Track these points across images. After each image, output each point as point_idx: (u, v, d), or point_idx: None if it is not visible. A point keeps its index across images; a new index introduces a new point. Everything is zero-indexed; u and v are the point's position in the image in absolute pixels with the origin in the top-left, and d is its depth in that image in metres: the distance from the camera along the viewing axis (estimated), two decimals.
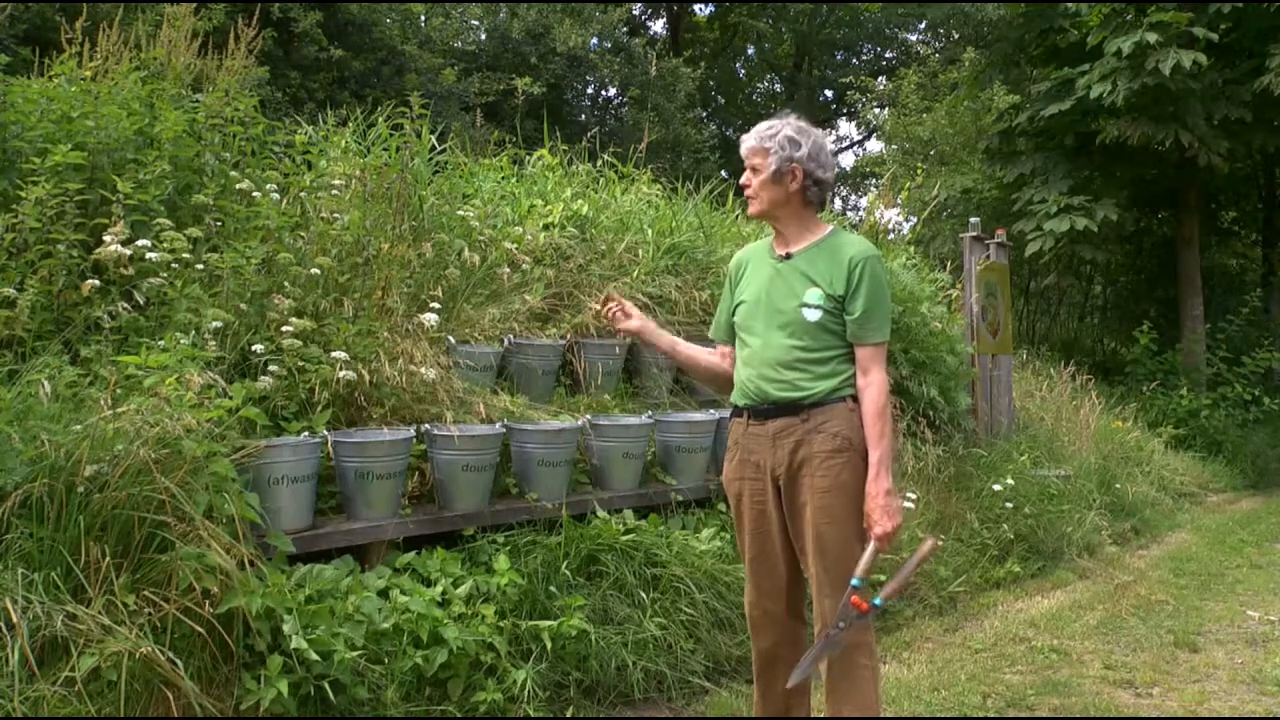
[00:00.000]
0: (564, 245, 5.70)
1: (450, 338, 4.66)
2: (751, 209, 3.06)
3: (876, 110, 19.30)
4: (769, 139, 2.97)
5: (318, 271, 4.35)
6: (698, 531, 4.54)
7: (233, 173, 4.59)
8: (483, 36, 18.32)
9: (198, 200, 4.25)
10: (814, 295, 2.92)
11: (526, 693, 3.46)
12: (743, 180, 3.05)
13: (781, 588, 3.02)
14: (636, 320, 3.24)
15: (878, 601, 2.80)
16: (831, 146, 3.15)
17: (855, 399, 2.93)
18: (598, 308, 3.41)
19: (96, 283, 3.75)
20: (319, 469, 3.78)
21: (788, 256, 3.01)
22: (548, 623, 3.67)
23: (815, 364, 2.92)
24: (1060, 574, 6.25)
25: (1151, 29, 10.48)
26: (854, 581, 2.77)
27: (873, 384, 2.90)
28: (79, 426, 3.06)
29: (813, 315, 2.91)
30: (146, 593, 2.94)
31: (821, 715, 3.07)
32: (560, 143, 6.92)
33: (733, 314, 3.13)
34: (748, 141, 3.03)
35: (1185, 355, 12.54)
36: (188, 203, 4.29)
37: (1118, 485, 8.07)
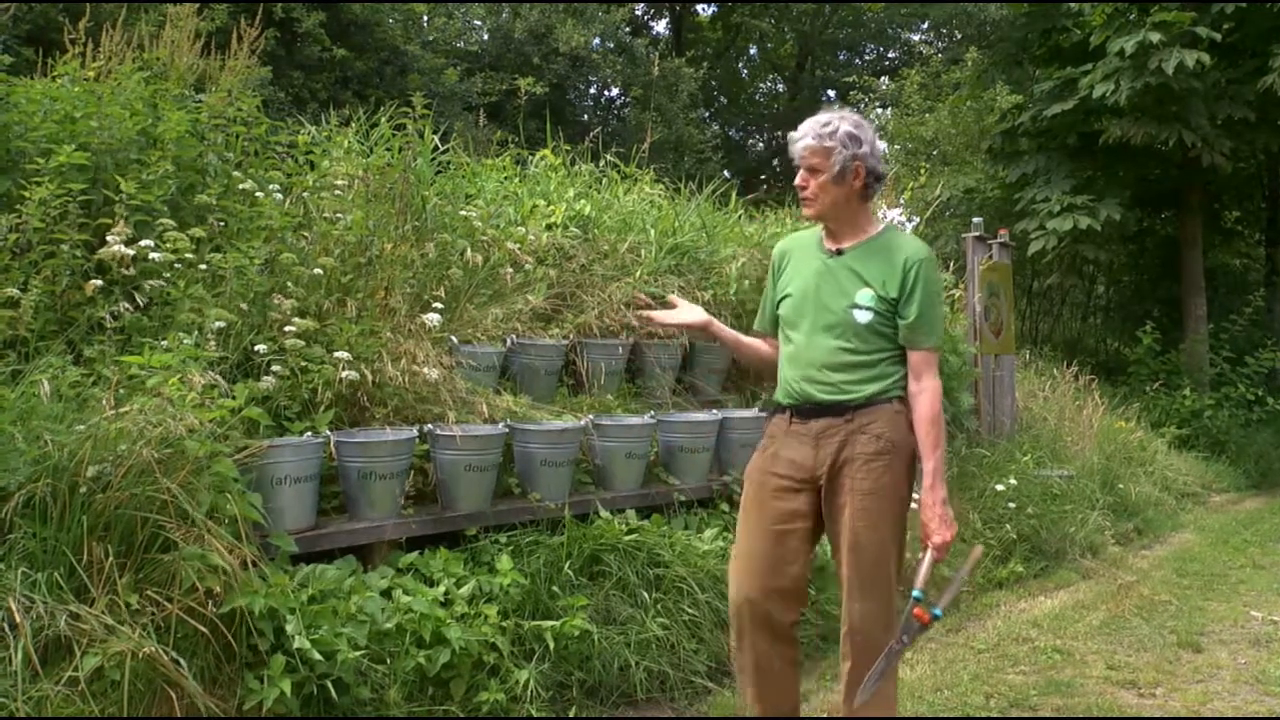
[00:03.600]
0: (567, 245, 5.70)
1: (453, 338, 4.66)
2: (809, 211, 2.91)
3: (879, 110, 19.26)
4: (829, 137, 2.82)
5: (320, 272, 4.35)
6: (700, 532, 4.54)
7: (235, 173, 4.59)
8: (485, 36, 18.34)
9: (201, 200, 4.26)
10: (865, 296, 2.82)
11: (529, 693, 3.46)
12: (799, 181, 2.89)
13: (790, 591, 2.90)
14: (693, 314, 3.14)
15: (938, 612, 2.74)
16: None
17: (902, 400, 2.85)
18: (650, 314, 3.27)
19: (100, 283, 3.76)
20: (322, 469, 3.78)
21: (839, 253, 2.90)
22: (550, 623, 3.67)
23: (863, 367, 2.83)
24: (1063, 574, 6.24)
25: (1154, 28, 10.46)
26: (915, 594, 2.71)
27: (926, 390, 2.81)
28: (82, 426, 3.07)
29: (863, 317, 2.82)
30: (149, 593, 2.94)
31: (838, 714, 3.03)
32: (563, 143, 6.92)
33: (777, 307, 3.02)
34: (804, 140, 2.85)
35: (1188, 355, 12.52)
36: (191, 203, 4.29)
37: (1121, 485, 8.06)
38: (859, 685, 2.78)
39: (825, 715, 3.10)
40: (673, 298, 3.24)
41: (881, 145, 2.94)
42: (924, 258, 2.84)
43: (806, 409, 2.87)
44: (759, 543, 2.91)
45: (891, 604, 2.83)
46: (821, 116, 2.88)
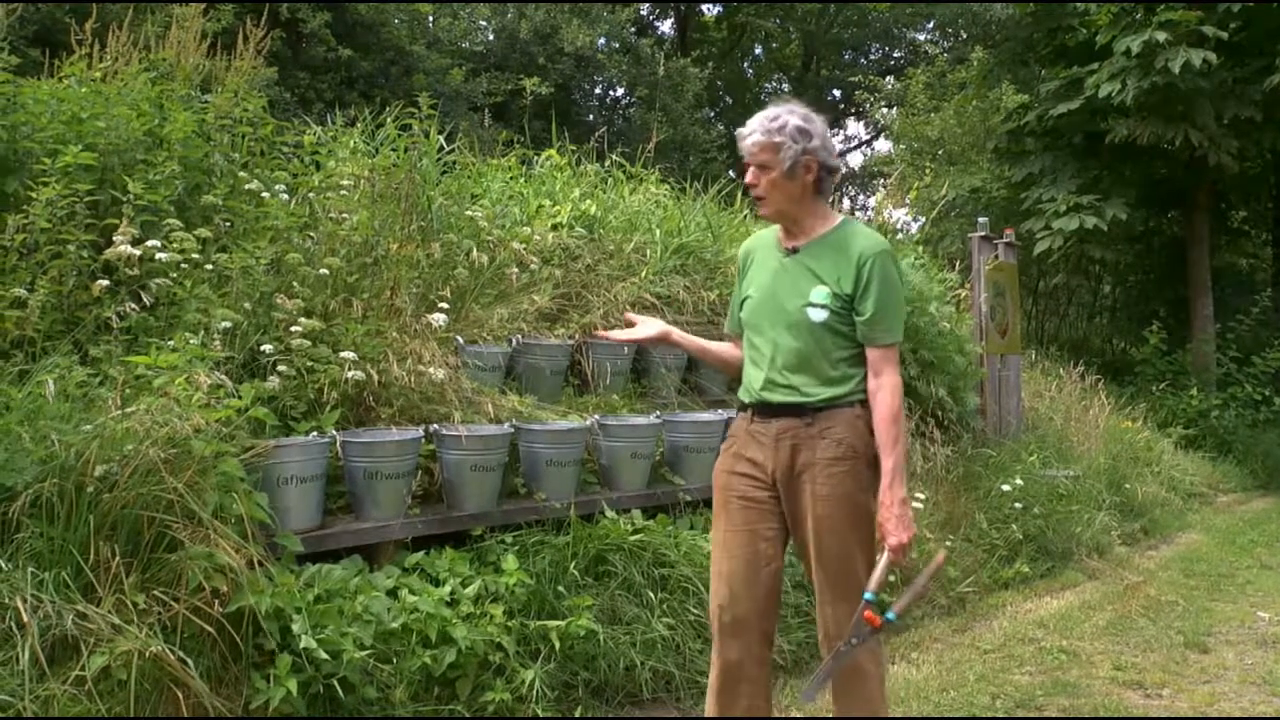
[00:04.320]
0: (572, 245, 5.70)
1: (458, 338, 4.67)
2: (763, 210, 2.84)
3: (885, 110, 19.25)
4: (778, 132, 2.73)
5: (326, 272, 4.36)
6: (706, 532, 4.53)
7: (241, 173, 4.60)
8: (490, 37, 18.34)
9: (207, 201, 4.27)
10: (820, 294, 2.74)
11: (535, 692, 3.46)
12: (749, 179, 2.80)
13: (761, 596, 2.79)
14: (651, 327, 3.08)
15: (890, 616, 2.66)
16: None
17: (864, 404, 2.76)
18: (605, 334, 3.30)
19: (106, 283, 3.77)
20: (327, 469, 3.78)
21: (794, 251, 2.83)
22: (556, 622, 3.67)
23: (822, 368, 2.75)
24: (1069, 574, 6.23)
25: (1161, 28, 10.44)
26: (866, 595, 2.64)
27: (884, 387, 2.72)
28: (89, 426, 3.07)
29: (818, 315, 2.74)
30: (156, 592, 2.94)
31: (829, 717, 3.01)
32: (568, 143, 6.92)
33: (741, 308, 2.96)
34: (751, 136, 2.77)
35: (1195, 355, 12.50)
36: (197, 203, 4.30)
37: (1127, 486, 8.05)
38: (842, 689, 2.77)
39: (812, 717, 3.01)
40: (629, 316, 3.19)
41: (835, 140, 2.88)
42: (879, 251, 2.75)
43: (766, 409, 2.81)
44: (730, 548, 2.84)
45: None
46: (770, 111, 2.80)
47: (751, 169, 2.80)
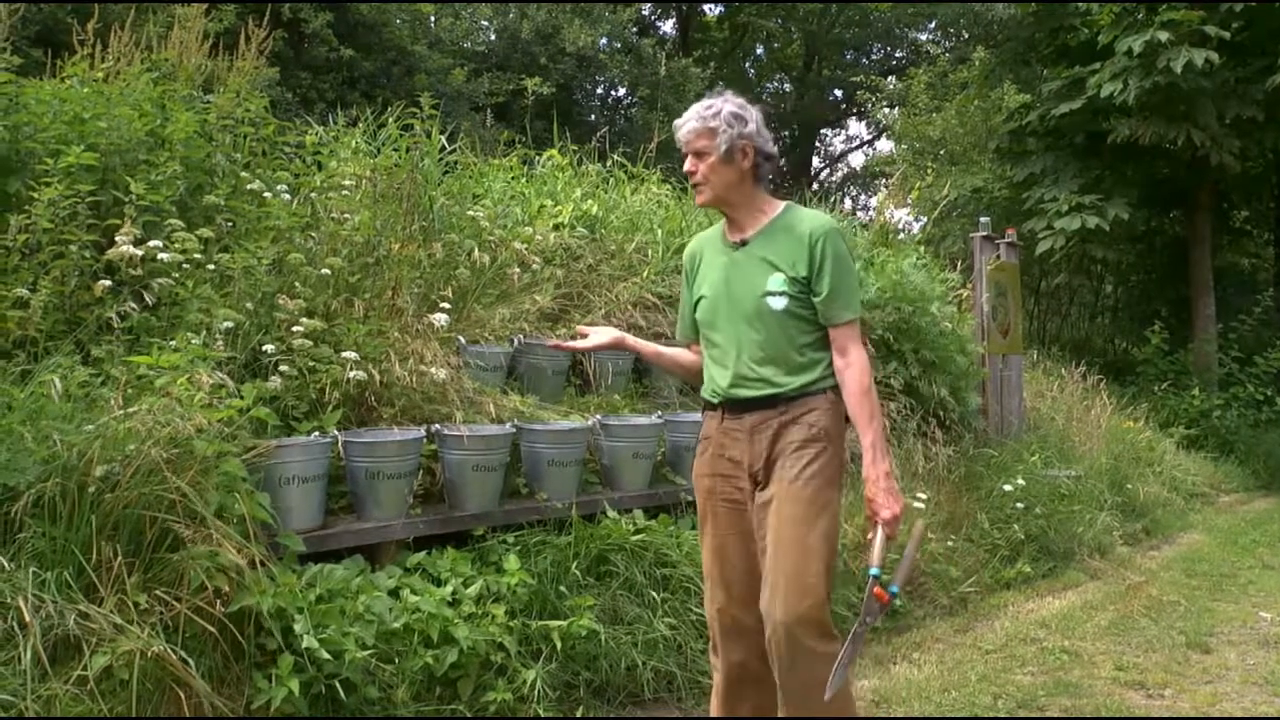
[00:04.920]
0: (574, 245, 5.70)
1: (460, 338, 4.67)
2: (702, 198, 2.84)
3: (886, 110, 19.24)
4: (713, 118, 2.76)
5: (328, 272, 4.36)
6: None
7: (243, 173, 4.60)
8: (492, 37, 18.33)
9: (209, 201, 4.27)
10: (776, 281, 2.72)
11: (536, 692, 3.46)
12: (688, 167, 2.82)
13: (756, 594, 2.71)
14: (603, 335, 3.08)
15: (894, 589, 2.62)
16: None
17: (836, 390, 2.73)
18: (560, 345, 3.29)
19: (108, 283, 3.77)
20: (329, 469, 3.79)
21: (743, 243, 2.81)
22: (558, 622, 3.67)
23: (788, 356, 2.72)
24: (1071, 574, 6.23)
25: (1163, 27, 10.44)
26: (873, 571, 2.57)
27: (852, 364, 2.70)
28: (91, 426, 3.08)
29: (778, 304, 2.71)
30: (158, 592, 2.94)
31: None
32: (570, 143, 6.93)
33: (694, 310, 2.93)
34: (687, 124, 2.80)
35: (1197, 355, 12.49)
36: (199, 203, 4.31)
37: (1129, 486, 8.04)
38: (793, 696, 2.61)
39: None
40: (580, 328, 3.20)
41: (767, 131, 2.87)
42: (828, 229, 2.74)
43: (737, 405, 2.76)
44: (722, 553, 2.80)
45: (821, 607, 2.60)
46: (704, 101, 2.83)
47: (689, 157, 2.81)
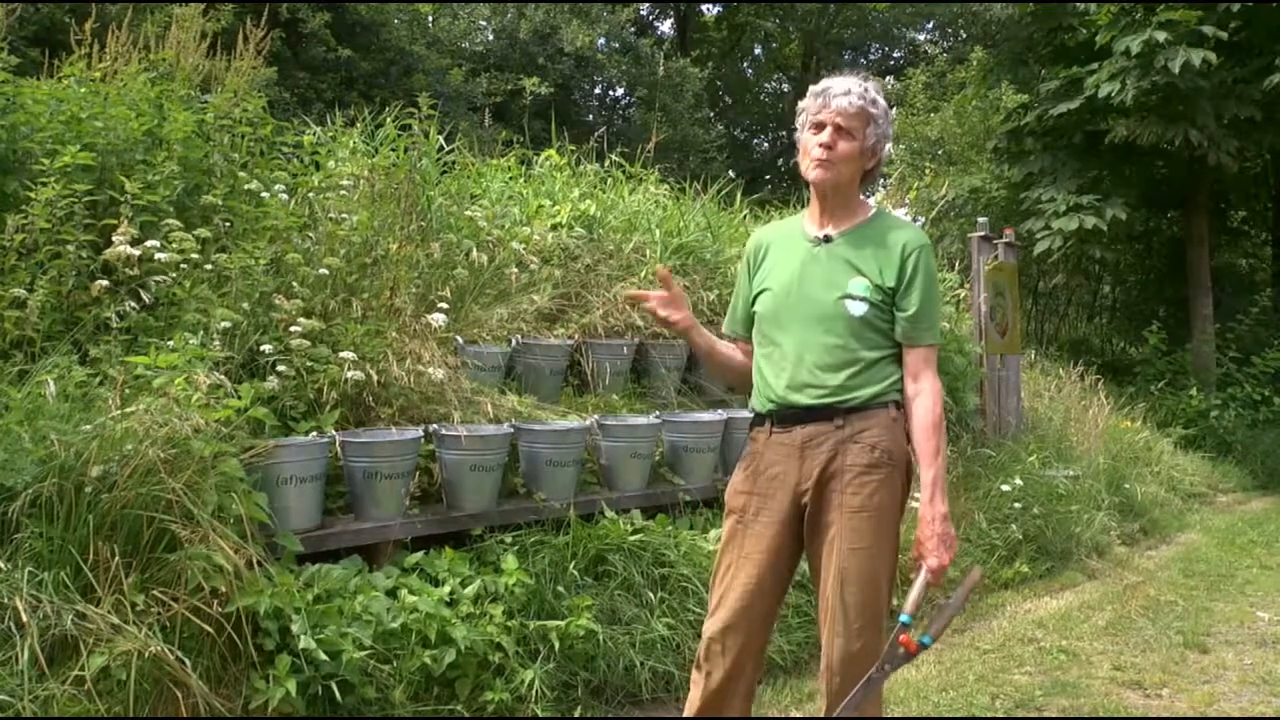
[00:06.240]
0: (572, 245, 5.70)
1: (458, 338, 4.67)
2: (824, 173, 2.56)
3: None
4: (873, 106, 2.54)
5: (326, 272, 4.36)
6: (705, 532, 4.53)
7: (241, 173, 4.60)
8: (490, 37, 18.34)
9: (206, 201, 4.27)
10: (859, 286, 2.53)
11: (534, 693, 3.47)
12: (825, 138, 2.54)
13: (756, 618, 2.57)
14: (681, 312, 2.70)
15: (927, 640, 2.44)
16: None
17: (899, 405, 2.55)
18: (635, 294, 2.90)
19: (106, 283, 3.77)
20: (327, 469, 3.78)
21: (828, 239, 2.60)
22: (555, 622, 3.67)
23: (859, 366, 2.52)
24: (1069, 574, 6.23)
25: (1161, 27, 10.44)
26: (903, 619, 2.40)
27: (925, 391, 2.51)
28: (88, 426, 3.07)
29: (858, 309, 2.51)
30: (155, 592, 2.95)
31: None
32: (568, 143, 6.92)
33: (752, 304, 2.71)
34: (849, 97, 2.53)
35: (1195, 355, 12.50)
36: (196, 203, 4.30)
37: (1126, 486, 8.04)
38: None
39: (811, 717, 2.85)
40: (661, 269, 2.80)
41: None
42: (924, 244, 2.57)
43: (789, 414, 2.56)
44: (736, 576, 2.59)
45: (879, 644, 2.49)
46: (861, 81, 2.59)
47: (830, 129, 2.55)
